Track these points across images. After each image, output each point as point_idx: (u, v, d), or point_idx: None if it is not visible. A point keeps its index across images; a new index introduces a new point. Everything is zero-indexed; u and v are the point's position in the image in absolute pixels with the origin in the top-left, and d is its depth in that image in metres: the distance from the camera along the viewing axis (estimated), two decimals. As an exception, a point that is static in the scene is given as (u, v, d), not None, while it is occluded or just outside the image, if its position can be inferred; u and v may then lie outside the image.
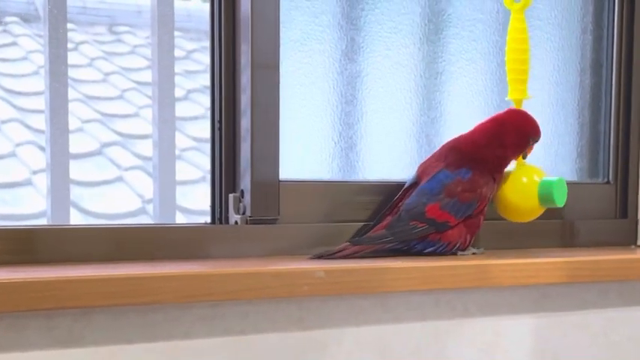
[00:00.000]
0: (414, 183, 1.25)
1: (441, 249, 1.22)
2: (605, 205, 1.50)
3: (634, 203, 1.50)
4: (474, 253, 1.26)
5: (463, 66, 1.39)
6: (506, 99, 1.30)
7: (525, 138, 1.27)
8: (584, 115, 1.50)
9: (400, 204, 1.23)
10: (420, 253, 1.22)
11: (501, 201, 1.29)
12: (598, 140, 1.51)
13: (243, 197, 1.19)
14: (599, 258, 1.28)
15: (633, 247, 1.50)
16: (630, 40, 1.49)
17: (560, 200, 1.26)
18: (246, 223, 1.18)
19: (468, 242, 1.24)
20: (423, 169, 1.26)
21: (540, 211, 1.29)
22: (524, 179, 1.28)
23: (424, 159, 1.29)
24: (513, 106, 1.29)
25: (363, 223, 1.25)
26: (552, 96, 1.47)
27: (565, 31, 1.48)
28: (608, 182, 1.51)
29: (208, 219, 1.22)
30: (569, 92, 1.49)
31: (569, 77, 1.49)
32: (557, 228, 1.43)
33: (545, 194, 1.26)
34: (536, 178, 1.27)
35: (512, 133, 1.25)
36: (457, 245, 1.23)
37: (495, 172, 1.26)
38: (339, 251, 1.18)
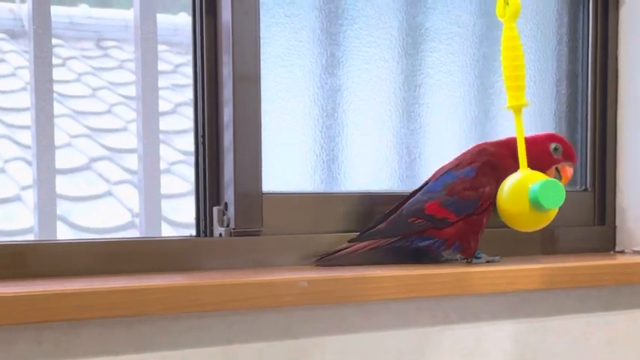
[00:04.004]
0: (423, 185, 1.27)
1: (437, 245, 1.23)
2: (584, 212, 1.52)
3: (612, 210, 1.52)
4: (488, 262, 1.25)
5: (441, 78, 1.41)
6: (504, 108, 1.24)
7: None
8: (561, 125, 1.52)
9: (404, 205, 1.25)
10: (417, 251, 1.23)
11: (503, 212, 1.23)
12: (575, 149, 1.53)
13: (227, 210, 1.21)
14: (578, 264, 1.30)
15: (612, 252, 1.51)
16: (605, 51, 1.51)
17: (550, 202, 1.19)
18: (231, 236, 1.20)
19: (472, 243, 1.24)
20: (436, 172, 1.28)
21: (544, 217, 1.22)
22: (521, 187, 1.21)
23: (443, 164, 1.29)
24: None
25: (345, 234, 1.26)
26: (529, 107, 1.48)
27: (540, 43, 1.50)
28: (586, 190, 1.53)
29: (194, 232, 1.24)
30: (546, 102, 1.51)
31: (545, 88, 1.51)
32: (537, 235, 1.43)
33: (533, 198, 1.19)
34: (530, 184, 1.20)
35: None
36: (455, 244, 1.23)
37: (501, 175, 1.24)
38: (339, 250, 1.20)
